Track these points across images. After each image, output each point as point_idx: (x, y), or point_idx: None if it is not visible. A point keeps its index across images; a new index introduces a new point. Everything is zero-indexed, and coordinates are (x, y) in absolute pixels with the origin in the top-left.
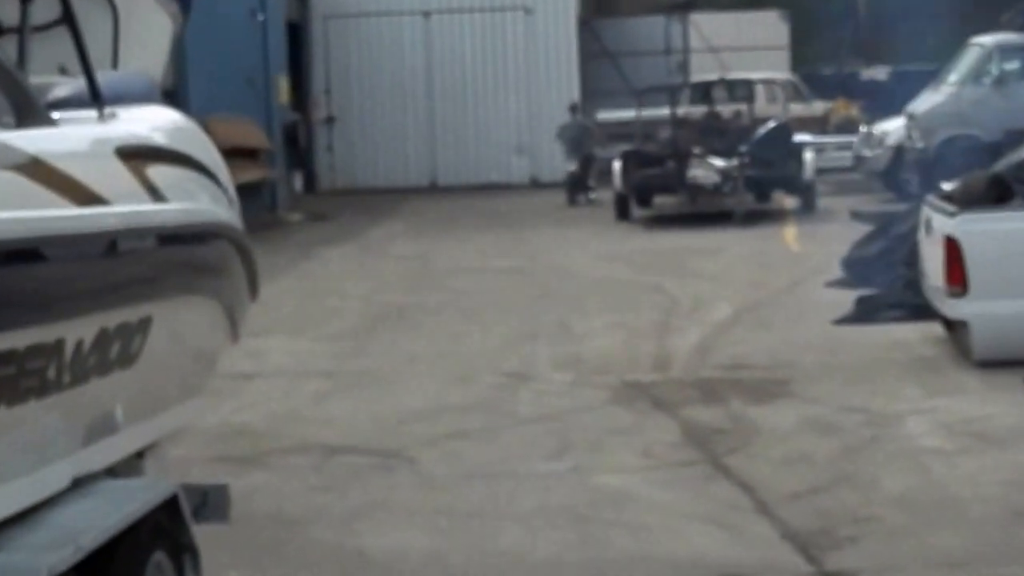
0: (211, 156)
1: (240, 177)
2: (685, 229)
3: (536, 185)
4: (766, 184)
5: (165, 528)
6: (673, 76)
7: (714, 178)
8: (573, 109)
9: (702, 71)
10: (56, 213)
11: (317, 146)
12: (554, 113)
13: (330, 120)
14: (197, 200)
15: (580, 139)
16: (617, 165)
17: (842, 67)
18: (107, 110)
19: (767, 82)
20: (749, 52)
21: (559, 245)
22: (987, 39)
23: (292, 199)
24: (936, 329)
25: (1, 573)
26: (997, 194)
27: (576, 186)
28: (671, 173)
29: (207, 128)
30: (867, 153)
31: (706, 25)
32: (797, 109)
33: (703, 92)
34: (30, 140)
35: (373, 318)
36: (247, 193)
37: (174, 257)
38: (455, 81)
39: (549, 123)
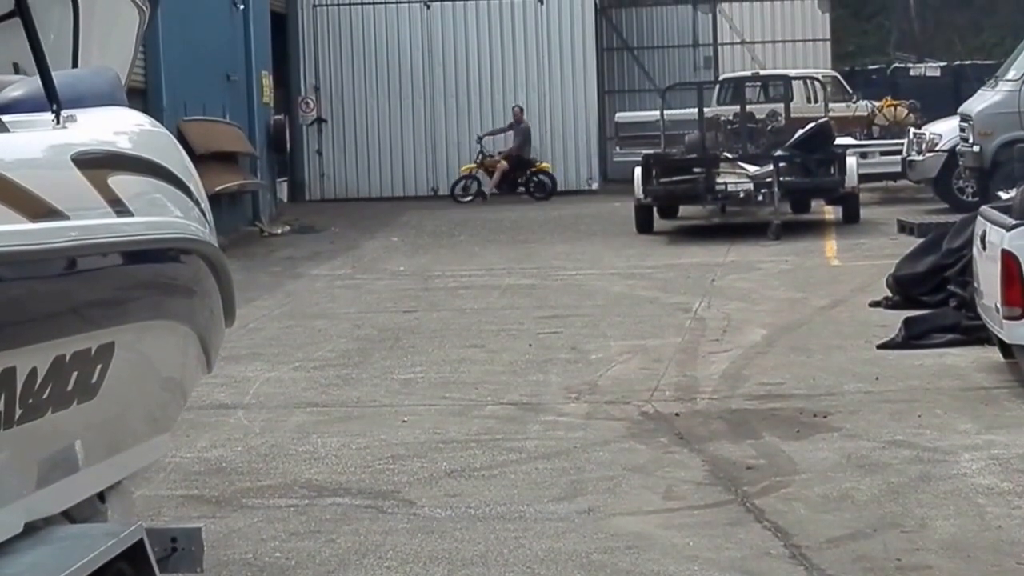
0: (182, 164)
1: (218, 185)
2: (713, 242)
3: (551, 192)
4: (804, 192)
5: None
6: (701, 72)
7: (746, 186)
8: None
9: (733, 66)
10: (6, 228)
11: (304, 150)
12: (569, 112)
13: (319, 121)
14: (166, 213)
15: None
16: (638, 171)
17: (889, 62)
18: (65, 113)
19: (806, 78)
20: (786, 45)
21: (573, 260)
22: None
23: (276, 210)
24: (992, 354)
25: None
26: None
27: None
28: (698, 180)
29: (181, 131)
30: (916, 158)
31: (738, 16)
32: (839, 109)
33: (734, 90)
34: None
35: (365, 342)
36: (225, 203)
37: (139, 277)
38: (459, 78)
39: (564, 124)
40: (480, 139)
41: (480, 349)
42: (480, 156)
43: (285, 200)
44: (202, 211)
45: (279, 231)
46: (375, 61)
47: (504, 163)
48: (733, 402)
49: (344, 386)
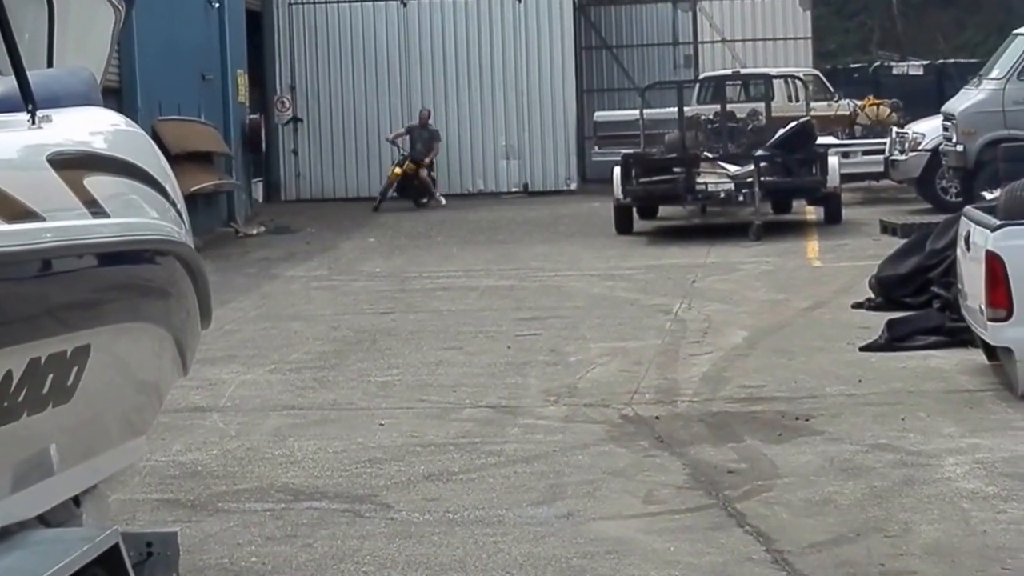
0: (158, 164)
1: (193, 186)
2: (694, 243)
3: (528, 193)
4: (786, 192)
5: None
6: (681, 71)
7: (727, 186)
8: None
9: (714, 65)
10: None
11: (280, 150)
12: (548, 111)
13: (295, 121)
14: (142, 214)
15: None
16: (617, 171)
17: (872, 61)
18: (40, 113)
19: (787, 77)
20: (767, 43)
21: (552, 261)
22: None
23: (251, 210)
24: (977, 357)
25: None
26: None
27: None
28: (678, 180)
29: (156, 131)
30: (899, 157)
31: (718, 14)
32: (820, 108)
33: (715, 89)
34: None
35: (342, 344)
36: (201, 204)
37: (115, 278)
38: (436, 77)
39: (542, 123)
40: (391, 141)
41: (458, 351)
42: (402, 159)
43: (260, 200)
44: (178, 212)
45: (254, 232)
46: (351, 60)
47: (398, 170)
48: (714, 405)
49: (320, 389)
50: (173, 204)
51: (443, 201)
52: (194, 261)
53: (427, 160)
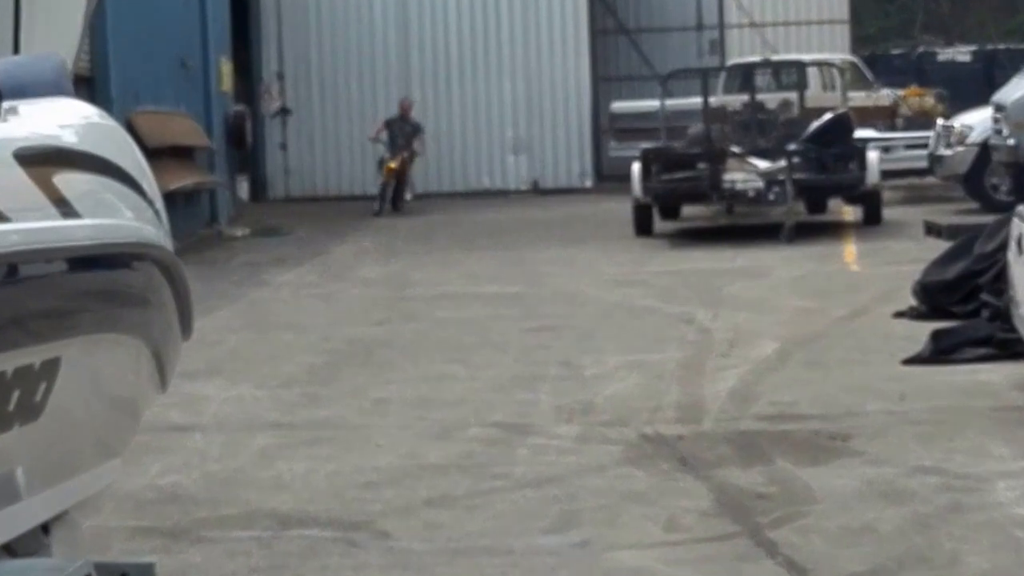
0: (134, 160)
1: (172, 184)
2: (720, 246)
3: (538, 191)
4: (820, 190)
5: None
6: (706, 57)
7: (756, 183)
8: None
9: (741, 51)
10: None
11: (267, 144)
12: (560, 102)
13: (284, 112)
14: (117, 214)
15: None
16: (636, 168)
17: (915, 46)
18: (5, 104)
19: (822, 64)
20: (800, 28)
21: (565, 266)
22: None
23: (236, 210)
24: None
25: None
26: None
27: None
28: (703, 177)
29: (131, 124)
30: (945, 152)
31: None
32: (859, 98)
33: (743, 77)
34: None
35: (335, 357)
36: (180, 203)
37: (88, 285)
38: (437, 64)
39: (554, 115)
40: (374, 139)
41: (461, 364)
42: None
43: (246, 199)
44: (156, 212)
45: (239, 234)
46: (345, 45)
47: (393, 164)
48: (742, 423)
49: (311, 405)
50: (151, 204)
51: (409, 197)
52: (174, 266)
53: (407, 154)
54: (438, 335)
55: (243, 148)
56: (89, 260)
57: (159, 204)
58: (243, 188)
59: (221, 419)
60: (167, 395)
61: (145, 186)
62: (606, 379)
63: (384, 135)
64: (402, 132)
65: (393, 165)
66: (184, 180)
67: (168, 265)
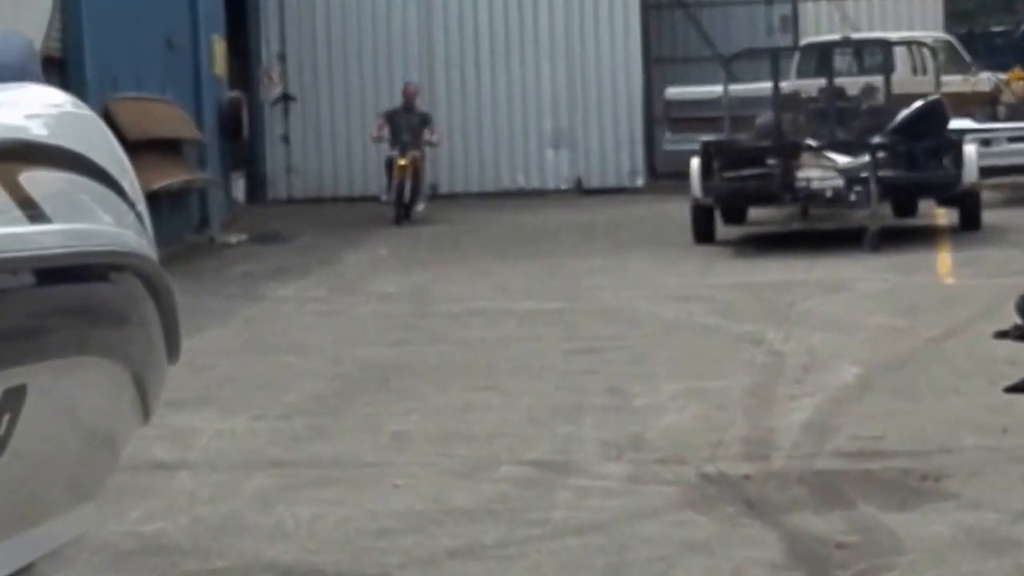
0: (113, 155)
1: (156, 182)
2: (793, 255)
3: (581, 191)
4: (910, 190)
5: None
6: (776, 35)
7: (835, 182)
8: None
9: (817, 28)
10: None
11: (267, 137)
12: (607, 87)
13: (286, 99)
14: (92, 218)
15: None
16: (696, 164)
17: (1019, 22)
18: None
19: (911, 44)
20: (886, 1)
21: (613, 278)
22: None
23: (231, 212)
24: None
25: None
26: None
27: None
28: (773, 175)
29: (109, 112)
30: None
31: None
32: (954, 83)
33: (819, 58)
34: None
35: (345, 384)
36: (166, 205)
37: (58, 301)
38: (464, 44)
39: (600, 102)
40: (377, 139)
41: (493, 392)
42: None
43: (242, 200)
44: (138, 216)
45: (234, 240)
46: (357, 22)
47: (403, 162)
48: (819, 461)
49: (318, 440)
50: (132, 206)
51: (421, 207)
52: (159, 279)
53: (418, 152)
54: (466, 358)
55: (239, 141)
56: (60, 271)
57: (141, 206)
58: (239, 187)
59: (213, 455)
60: (150, 427)
61: (126, 185)
62: (660, 410)
63: (387, 132)
64: (408, 125)
65: (404, 162)
66: (170, 178)
67: (152, 277)
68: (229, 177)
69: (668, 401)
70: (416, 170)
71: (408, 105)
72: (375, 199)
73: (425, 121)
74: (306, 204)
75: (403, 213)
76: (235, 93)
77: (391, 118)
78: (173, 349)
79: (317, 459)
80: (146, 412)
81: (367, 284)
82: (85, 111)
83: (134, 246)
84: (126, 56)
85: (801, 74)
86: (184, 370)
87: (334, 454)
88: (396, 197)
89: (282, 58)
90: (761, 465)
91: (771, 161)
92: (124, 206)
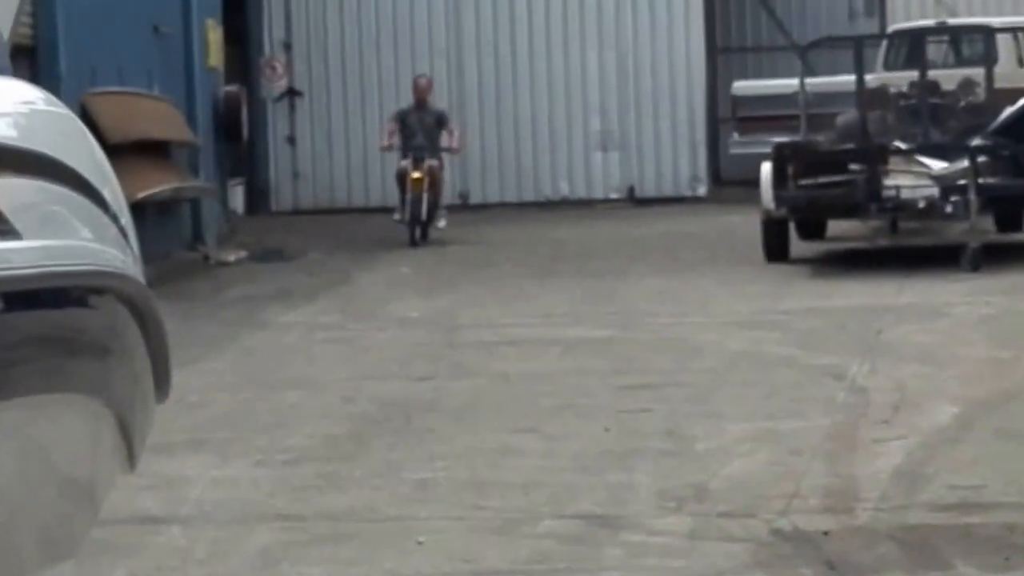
0: (92, 160)
1: (141, 191)
2: (880, 275)
3: (635, 201)
4: (1015, 200)
5: None
6: (860, 21)
7: (928, 191)
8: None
9: (908, 13)
10: None
11: (270, 138)
12: (664, 81)
13: (292, 95)
14: (69, 233)
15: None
16: (767, 169)
17: None
18: None
19: (1017, 30)
20: None
21: (671, 302)
22: None
23: (228, 226)
24: None
25: None
26: None
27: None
28: (857, 183)
29: (86, 110)
30: None
31: None
32: None
33: (910, 48)
34: None
35: (361, 424)
36: (152, 217)
37: (28, 328)
38: (500, 29)
39: (655, 99)
40: (387, 148)
41: (532, 435)
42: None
43: (241, 212)
44: (122, 230)
45: (232, 258)
46: (375, 4)
47: (418, 174)
48: (910, 515)
49: (330, 490)
50: (115, 219)
51: (442, 224)
52: (145, 303)
53: (435, 160)
54: (500, 395)
55: (237, 143)
56: (31, 295)
57: (126, 219)
58: (237, 197)
59: (208, 508)
60: (136, 475)
61: (107, 195)
62: (726, 455)
63: (398, 139)
64: (422, 126)
65: (419, 175)
66: (157, 186)
67: (137, 301)
68: (226, 185)
69: (735, 445)
70: (433, 181)
71: (420, 102)
72: (395, 210)
73: (441, 122)
74: (314, 216)
75: (420, 234)
76: (233, 87)
77: (402, 120)
78: (162, 384)
79: (328, 512)
80: (131, 458)
81: (385, 308)
82: (61, 109)
83: (117, 265)
84: (106, 44)
85: (889, 66)
86: (174, 407)
87: (348, 506)
88: (411, 216)
89: (287, 46)
90: (843, 519)
91: (854, 167)
92: (105, 219)
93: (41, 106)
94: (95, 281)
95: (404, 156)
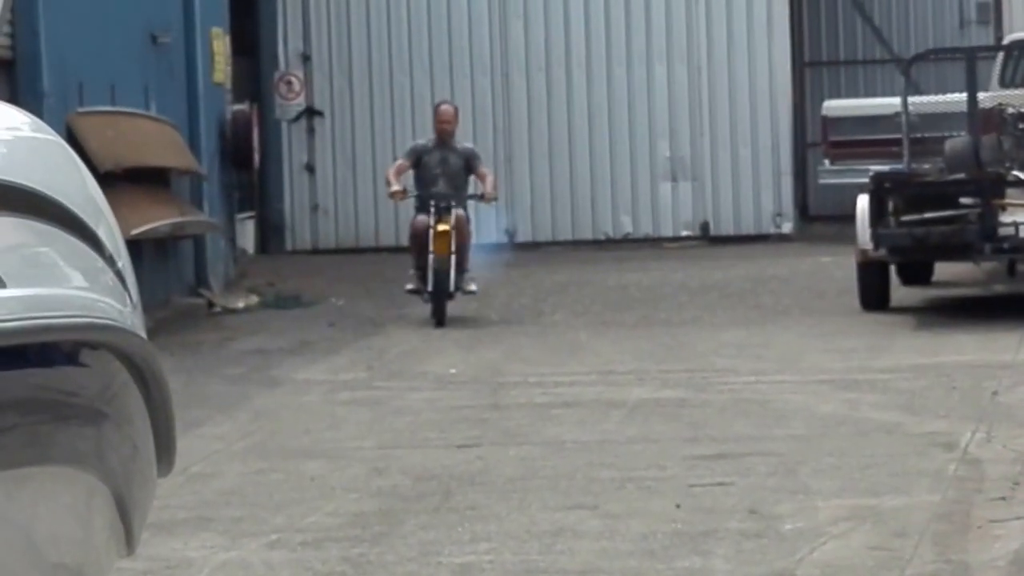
0: (85, 194)
1: (137, 226)
2: (996, 327)
3: (709, 239)
4: None
5: None
6: (972, 30)
7: None
8: None
9: None
10: None
11: (286, 165)
12: (743, 100)
13: (311, 114)
14: (58, 280)
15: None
16: (863, 203)
17: None
18: None
19: None
20: None
21: (751, 358)
22: None
23: (237, 267)
24: None
25: None
26: None
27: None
28: (968, 219)
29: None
30: None
31: None
32: None
33: None
34: None
35: (392, 500)
36: (150, 257)
37: (11, 390)
38: (551, 44)
39: (733, 121)
40: (399, 195)
41: (591, 512)
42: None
43: (251, 251)
44: (119, 275)
45: (241, 305)
46: (408, 12)
47: (444, 227)
48: None
49: None
50: (111, 262)
51: (474, 288)
52: (146, 360)
53: (462, 210)
54: (554, 466)
55: (247, 171)
56: (13, 352)
57: (123, 262)
58: (247, 233)
59: None
60: (134, 558)
61: (102, 234)
62: (817, 536)
63: (411, 183)
64: (444, 169)
65: (445, 228)
66: (155, 221)
67: (137, 358)
68: (234, 220)
69: (828, 525)
70: (461, 235)
71: (443, 138)
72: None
73: (470, 163)
74: (336, 256)
75: (438, 301)
76: (243, 106)
77: (419, 158)
78: (165, 455)
79: None
80: (129, 539)
81: (419, 364)
82: (49, 135)
83: (114, 317)
84: (96, 57)
85: (1006, 83)
86: (177, 479)
87: None
88: (435, 289)
89: (305, 59)
90: None
91: (966, 200)
92: (100, 262)
93: (26, 132)
94: (88, 335)
95: (421, 208)
